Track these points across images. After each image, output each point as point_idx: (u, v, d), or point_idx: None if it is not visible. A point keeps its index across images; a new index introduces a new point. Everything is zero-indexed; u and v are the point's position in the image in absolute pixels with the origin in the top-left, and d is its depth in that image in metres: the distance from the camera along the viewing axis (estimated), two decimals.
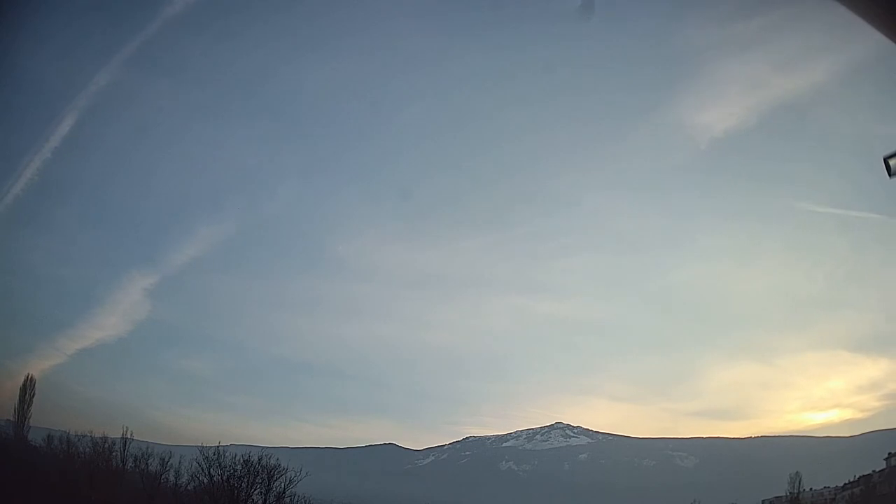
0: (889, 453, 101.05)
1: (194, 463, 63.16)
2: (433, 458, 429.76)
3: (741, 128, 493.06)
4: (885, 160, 5.65)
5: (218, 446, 63.15)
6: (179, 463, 67.53)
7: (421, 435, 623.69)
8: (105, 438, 67.62)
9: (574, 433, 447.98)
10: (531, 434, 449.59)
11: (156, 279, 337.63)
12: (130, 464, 66.11)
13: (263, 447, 70.05)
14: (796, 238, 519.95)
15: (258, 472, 62.64)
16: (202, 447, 62.49)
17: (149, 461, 66.24)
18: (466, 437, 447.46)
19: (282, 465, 64.30)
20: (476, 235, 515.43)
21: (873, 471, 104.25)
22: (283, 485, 63.75)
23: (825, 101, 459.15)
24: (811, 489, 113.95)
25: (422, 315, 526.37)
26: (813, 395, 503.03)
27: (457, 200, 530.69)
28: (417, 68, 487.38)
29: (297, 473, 64.88)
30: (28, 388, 79.83)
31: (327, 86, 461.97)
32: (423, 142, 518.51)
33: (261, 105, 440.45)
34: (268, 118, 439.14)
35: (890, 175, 5.64)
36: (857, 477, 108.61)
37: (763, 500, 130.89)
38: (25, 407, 78.25)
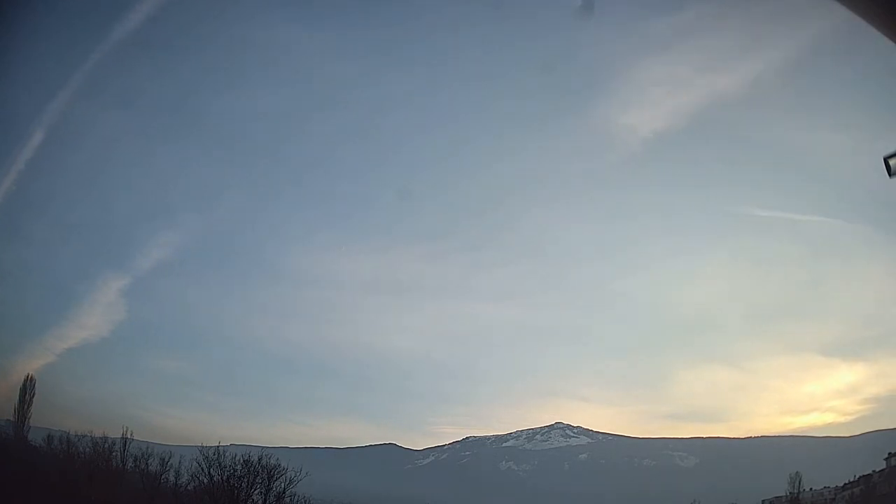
0: (889, 453, 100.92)
1: (194, 463, 63.20)
2: (433, 458, 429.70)
3: (671, 129, 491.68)
4: (885, 160, 5.65)
5: (218, 446, 63.31)
6: (179, 463, 67.68)
7: (421, 435, 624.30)
8: (105, 438, 67.75)
9: (574, 433, 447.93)
10: (531, 434, 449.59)
11: (128, 281, 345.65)
12: (130, 464, 66.16)
13: (263, 447, 70.12)
14: (743, 242, 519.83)
15: (258, 472, 62.74)
16: (202, 447, 62.64)
17: (149, 461, 66.34)
18: (466, 437, 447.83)
19: (282, 465, 64.39)
20: (431, 243, 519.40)
21: (873, 471, 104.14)
22: (283, 485, 63.92)
23: (752, 102, 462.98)
24: (811, 489, 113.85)
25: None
26: (790, 399, 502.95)
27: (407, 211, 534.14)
28: (355, 85, 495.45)
29: (297, 473, 64.93)
30: (28, 387, 79.86)
31: (278, 105, 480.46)
32: (366, 159, 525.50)
33: (215, 128, 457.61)
34: (218, 139, 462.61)
35: (890, 175, 5.64)
36: (857, 477, 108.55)
37: (763, 500, 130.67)
38: (25, 407, 78.23)
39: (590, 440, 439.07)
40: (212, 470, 61.46)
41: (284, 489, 63.78)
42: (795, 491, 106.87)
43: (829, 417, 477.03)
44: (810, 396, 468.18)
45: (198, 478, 63.21)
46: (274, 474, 63.31)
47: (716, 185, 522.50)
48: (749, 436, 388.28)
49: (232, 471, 61.78)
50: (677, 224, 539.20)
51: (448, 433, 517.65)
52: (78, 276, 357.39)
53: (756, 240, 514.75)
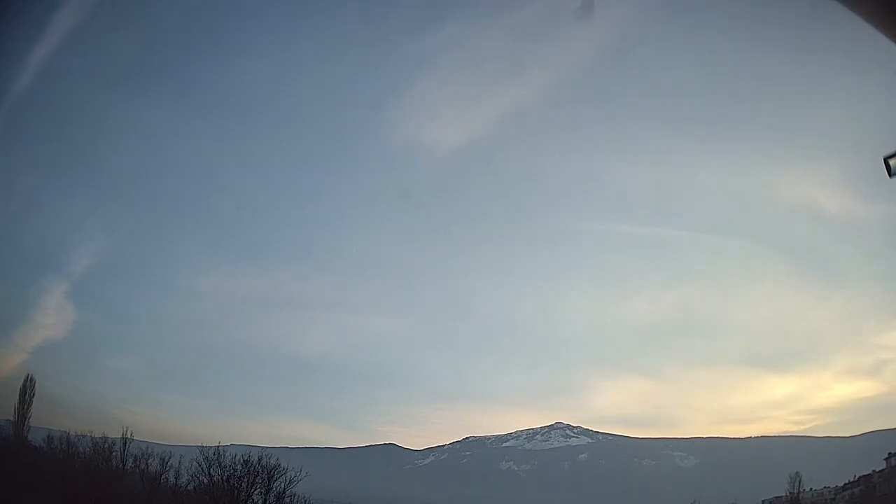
0: (889, 453, 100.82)
1: (194, 463, 63.19)
2: (433, 458, 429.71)
3: (481, 140, 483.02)
4: (885, 160, 5.63)
5: (218, 446, 63.17)
6: (179, 463, 67.73)
7: (421, 435, 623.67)
8: (105, 438, 67.89)
9: (574, 433, 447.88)
10: (531, 434, 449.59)
11: (68, 285, 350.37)
12: (130, 464, 66.25)
13: (263, 447, 69.98)
14: (604, 258, 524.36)
15: (258, 472, 62.60)
16: (202, 447, 62.48)
17: (149, 461, 66.42)
18: (466, 437, 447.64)
19: (282, 465, 64.30)
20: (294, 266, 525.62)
21: (873, 471, 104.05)
22: (283, 485, 63.69)
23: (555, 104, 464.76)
24: (811, 489, 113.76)
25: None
26: (722, 409, 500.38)
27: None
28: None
29: (297, 473, 64.80)
30: (28, 387, 79.81)
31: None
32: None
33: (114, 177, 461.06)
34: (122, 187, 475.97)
35: (890, 175, 5.61)
36: (857, 477, 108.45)
37: (763, 501, 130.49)
38: (25, 407, 78.21)
39: (590, 440, 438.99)
40: (212, 470, 61.41)
41: (284, 489, 63.65)
42: (795, 491, 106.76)
43: (777, 427, 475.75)
44: (743, 406, 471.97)
45: (198, 478, 63.16)
46: (274, 474, 63.19)
47: (548, 201, 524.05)
48: (749, 436, 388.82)
49: (232, 471, 61.70)
50: (540, 239, 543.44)
51: (448, 433, 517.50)
52: (20, 282, 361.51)
53: (612, 254, 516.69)
